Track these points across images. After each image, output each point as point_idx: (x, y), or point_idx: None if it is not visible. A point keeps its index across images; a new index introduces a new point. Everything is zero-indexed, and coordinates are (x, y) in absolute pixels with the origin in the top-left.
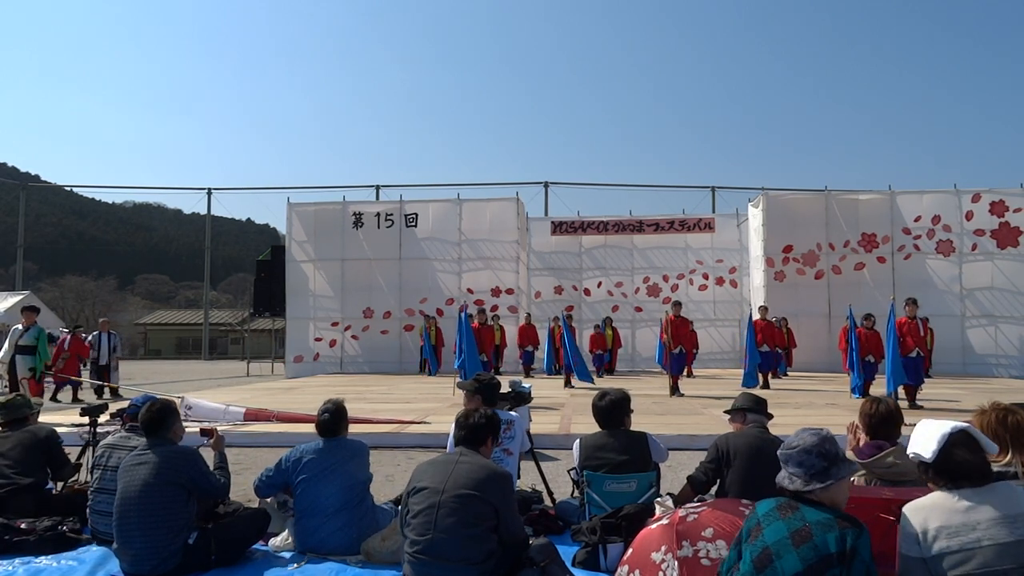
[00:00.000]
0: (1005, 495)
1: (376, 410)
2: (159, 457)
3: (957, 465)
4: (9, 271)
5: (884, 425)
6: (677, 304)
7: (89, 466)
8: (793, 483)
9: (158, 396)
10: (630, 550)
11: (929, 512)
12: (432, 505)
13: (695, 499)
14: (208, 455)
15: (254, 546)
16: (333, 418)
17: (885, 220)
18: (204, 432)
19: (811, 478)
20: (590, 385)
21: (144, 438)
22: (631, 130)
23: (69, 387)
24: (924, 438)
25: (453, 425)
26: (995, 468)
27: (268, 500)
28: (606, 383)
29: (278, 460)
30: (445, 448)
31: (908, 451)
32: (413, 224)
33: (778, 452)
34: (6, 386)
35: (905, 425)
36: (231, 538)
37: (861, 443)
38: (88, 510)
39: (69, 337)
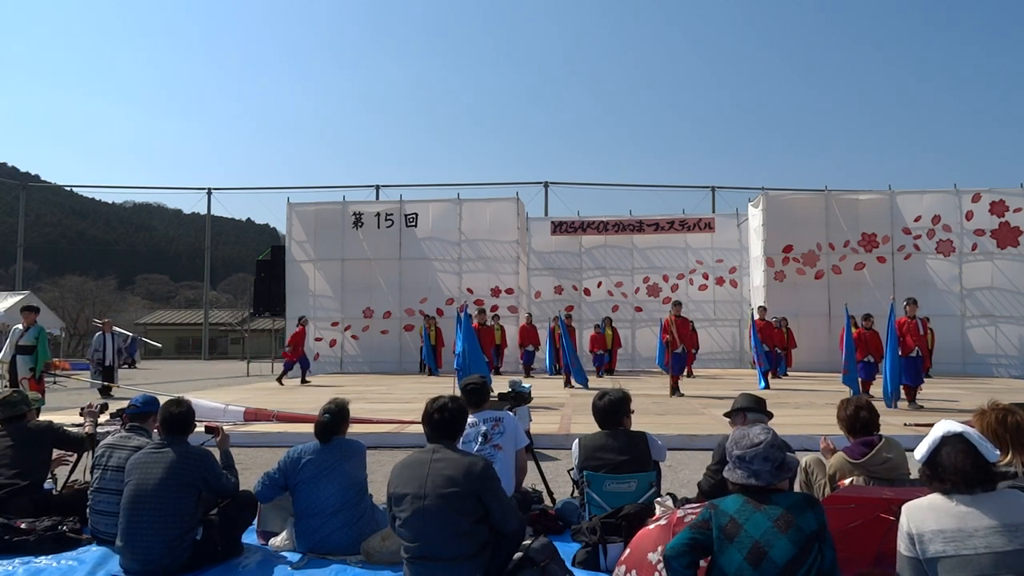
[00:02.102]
0: (1007, 503)
1: (376, 410)
2: (176, 456)
3: (943, 468)
4: (9, 271)
5: (858, 419)
6: (678, 304)
7: (89, 466)
8: (760, 479)
9: (158, 396)
10: (628, 550)
11: (926, 513)
12: (417, 511)
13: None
14: (214, 453)
15: (254, 544)
16: (333, 419)
17: (885, 220)
18: (209, 430)
19: (777, 471)
20: (582, 387)
21: (144, 437)
22: (631, 130)
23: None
24: (925, 439)
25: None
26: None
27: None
28: (606, 383)
29: (277, 463)
30: None
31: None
32: (413, 224)
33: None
34: (6, 386)
35: (905, 425)
36: (231, 526)
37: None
38: (88, 510)
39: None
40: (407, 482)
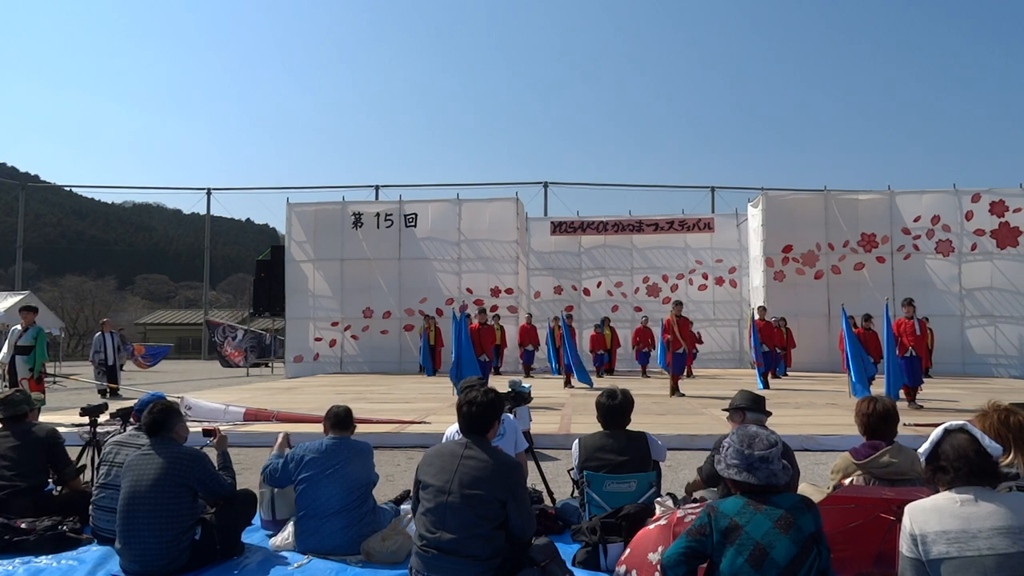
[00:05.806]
0: (1012, 505)
1: (376, 410)
2: (165, 458)
3: (946, 457)
4: (9, 271)
5: (881, 424)
6: (678, 304)
7: (93, 465)
8: (780, 478)
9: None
10: (628, 550)
11: (930, 514)
12: (440, 505)
13: (699, 496)
14: (211, 455)
15: (254, 543)
16: (348, 413)
17: (884, 220)
18: (207, 432)
19: (789, 470)
20: (587, 386)
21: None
22: (631, 130)
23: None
24: (928, 439)
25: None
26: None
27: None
28: (606, 383)
29: (283, 458)
30: None
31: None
32: (412, 224)
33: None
34: (6, 386)
35: (904, 425)
36: (230, 525)
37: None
38: (92, 506)
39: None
40: (435, 473)
